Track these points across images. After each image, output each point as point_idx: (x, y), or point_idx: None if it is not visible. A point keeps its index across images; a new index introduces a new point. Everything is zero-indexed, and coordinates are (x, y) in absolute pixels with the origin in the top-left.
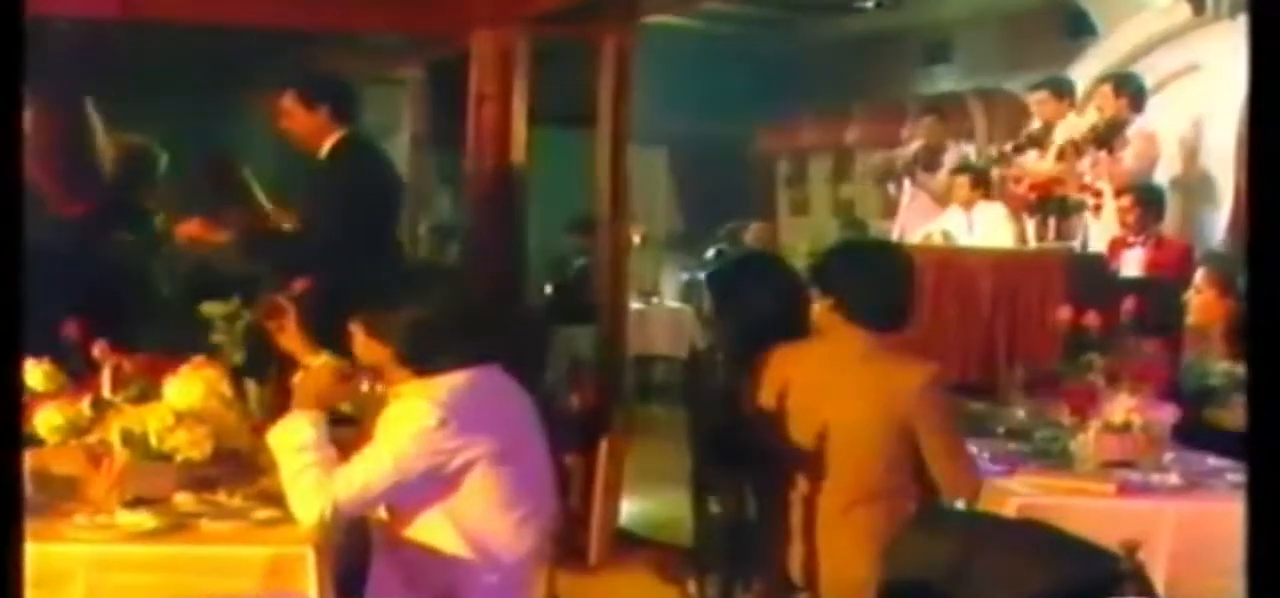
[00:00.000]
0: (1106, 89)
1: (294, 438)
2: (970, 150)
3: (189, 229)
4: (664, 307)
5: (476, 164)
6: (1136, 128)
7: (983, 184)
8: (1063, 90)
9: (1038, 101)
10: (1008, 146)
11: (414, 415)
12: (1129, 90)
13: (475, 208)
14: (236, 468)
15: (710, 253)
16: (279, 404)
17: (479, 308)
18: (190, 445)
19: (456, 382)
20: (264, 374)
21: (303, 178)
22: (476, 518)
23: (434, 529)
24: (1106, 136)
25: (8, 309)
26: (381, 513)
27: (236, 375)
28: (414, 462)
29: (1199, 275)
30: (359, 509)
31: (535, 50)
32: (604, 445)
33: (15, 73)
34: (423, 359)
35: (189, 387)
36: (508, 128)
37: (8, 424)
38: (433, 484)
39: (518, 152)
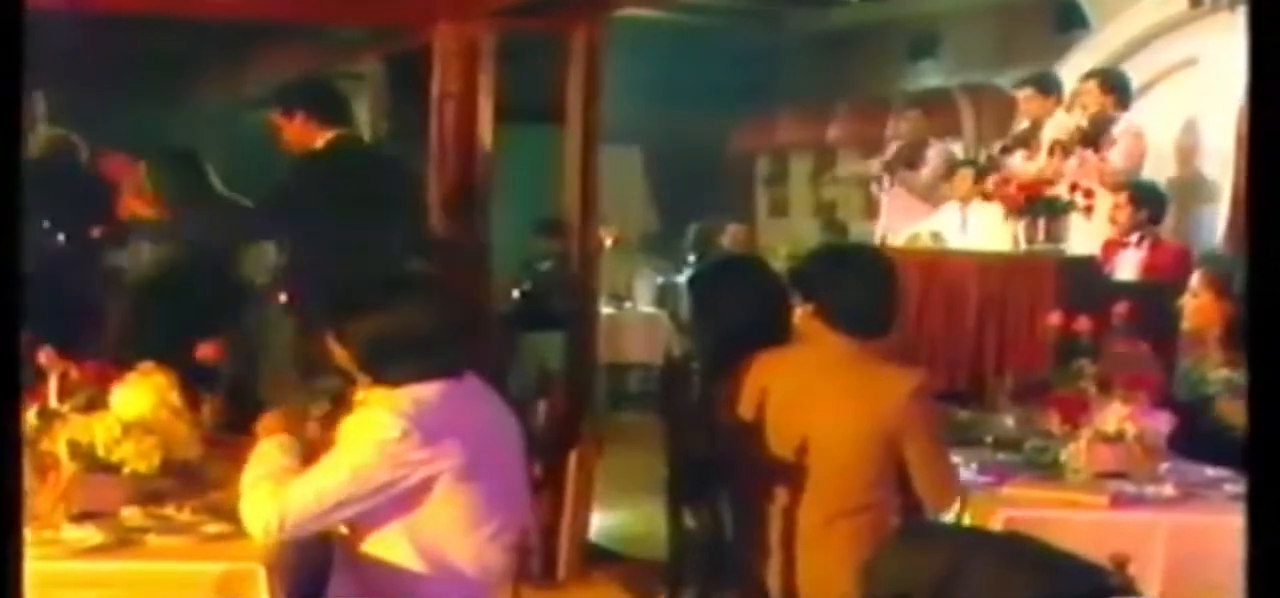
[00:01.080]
0: (1092, 85)
1: (259, 454)
2: (957, 148)
3: (131, 203)
4: (637, 312)
5: (439, 164)
6: (1124, 125)
7: (981, 181)
8: (1049, 87)
9: (1024, 98)
10: (996, 147)
11: (375, 426)
12: (1115, 86)
13: (438, 209)
14: (186, 481)
15: (691, 257)
16: (231, 413)
17: (451, 318)
18: (138, 457)
19: (423, 393)
20: (215, 383)
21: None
22: (439, 534)
23: (394, 545)
24: (1093, 135)
25: (8, 309)
26: (340, 528)
27: (186, 384)
28: (373, 474)
29: (1195, 278)
30: (313, 522)
31: (501, 44)
32: (573, 457)
33: (15, 73)
34: (381, 368)
35: (137, 396)
36: (472, 126)
37: (7, 427)
38: (394, 498)
39: (483, 151)
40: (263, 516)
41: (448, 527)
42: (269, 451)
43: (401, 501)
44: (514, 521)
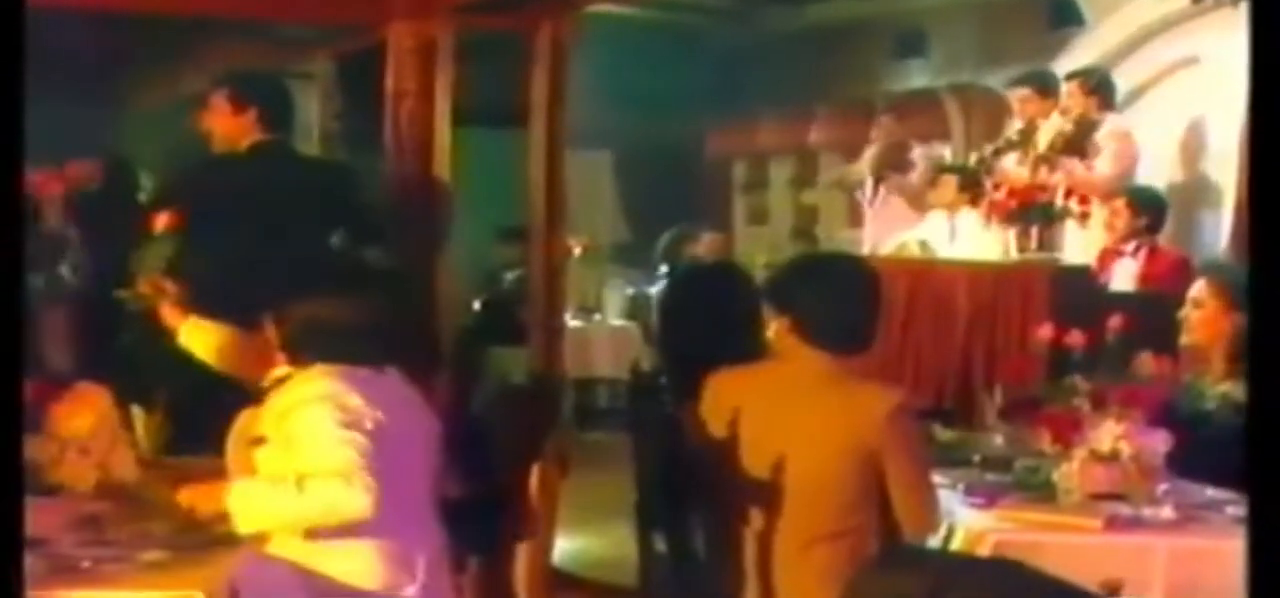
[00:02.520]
0: (1073, 87)
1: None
2: (946, 151)
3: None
4: (606, 325)
5: (395, 168)
6: (1109, 127)
7: (970, 187)
8: (1048, 87)
9: (1020, 99)
10: (988, 150)
11: (329, 395)
12: (1098, 87)
13: (393, 217)
14: (123, 504)
15: (663, 268)
16: (169, 433)
17: (383, 312)
18: (75, 479)
19: (349, 370)
20: (151, 401)
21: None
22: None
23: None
24: (1077, 140)
25: (8, 309)
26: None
27: (122, 403)
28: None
29: (1199, 287)
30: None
31: (461, 42)
32: (536, 476)
33: (15, 73)
34: (303, 350)
35: (75, 415)
36: (429, 129)
37: (7, 427)
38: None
39: (441, 155)
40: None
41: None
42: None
43: None
44: (412, 533)
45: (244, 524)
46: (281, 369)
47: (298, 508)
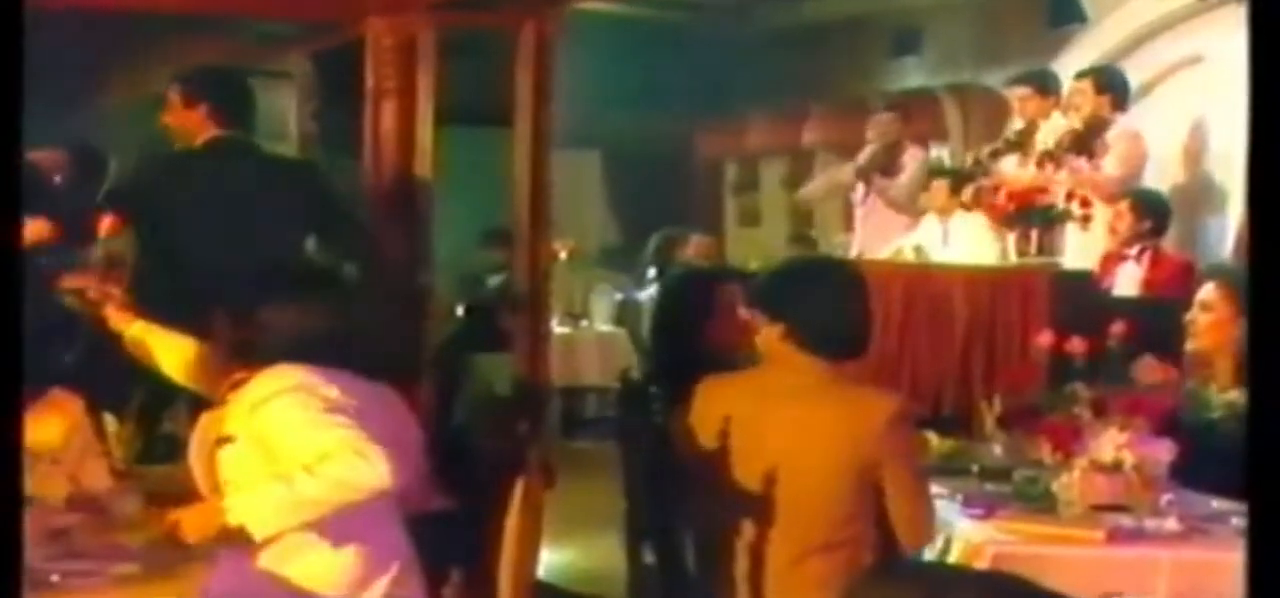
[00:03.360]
0: (1085, 85)
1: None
2: (944, 153)
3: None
4: (594, 330)
5: (374, 169)
6: (1120, 129)
7: (962, 191)
8: (1048, 86)
9: (1020, 98)
10: (985, 151)
11: (304, 385)
12: (1111, 86)
13: (373, 219)
14: (94, 516)
15: (652, 271)
16: (143, 442)
17: (351, 319)
18: (45, 491)
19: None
20: (123, 409)
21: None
22: None
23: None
24: (1086, 140)
25: (8, 307)
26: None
27: (94, 410)
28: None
29: (1209, 291)
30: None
31: (443, 39)
32: (519, 488)
33: (16, 73)
34: (261, 355)
35: (46, 424)
36: (410, 128)
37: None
38: None
39: (422, 155)
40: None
41: None
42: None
43: None
44: (380, 543)
45: (261, 530)
46: (239, 373)
47: (313, 492)
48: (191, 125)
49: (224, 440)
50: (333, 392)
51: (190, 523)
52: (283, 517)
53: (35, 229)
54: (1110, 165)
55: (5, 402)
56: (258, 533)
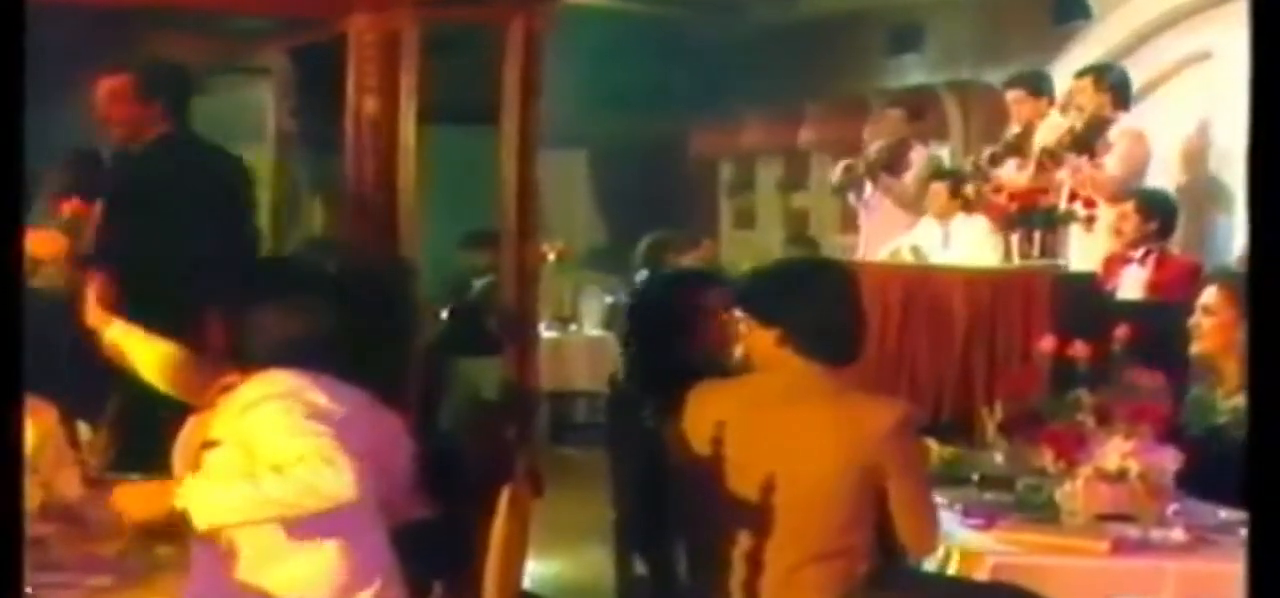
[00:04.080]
0: (1086, 83)
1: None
2: (943, 152)
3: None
4: (583, 335)
5: (355, 169)
6: (1121, 127)
7: (962, 193)
8: (1040, 87)
9: (1014, 101)
10: (984, 155)
11: (291, 390)
12: (1112, 84)
13: (355, 221)
14: (68, 525)
15: (643, 274)
16: (115, 448)
17: (345, 323)
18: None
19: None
20: (98, 415)
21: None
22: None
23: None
24: (1087, 139)
25: (8, 309)
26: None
27: (68, 418)
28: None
29: (1212, 294)
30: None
31: (427, 35)
32: (505, 496)
33: (16, 73)
34: (257, 358)
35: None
36: (393, 127)
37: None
38: None
39: (405, 155)
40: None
41: None
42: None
43: None
44: (364, 551)
45: (204, 519)
46: (231, 377)
47: (276, 493)
48: (141, 120)
49: (210, 444)
50: (320, 398)
51: (129, 500)
52: (235, 512)
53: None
54: (1112, 165)
55: (5, 401)
56: (200, 521)
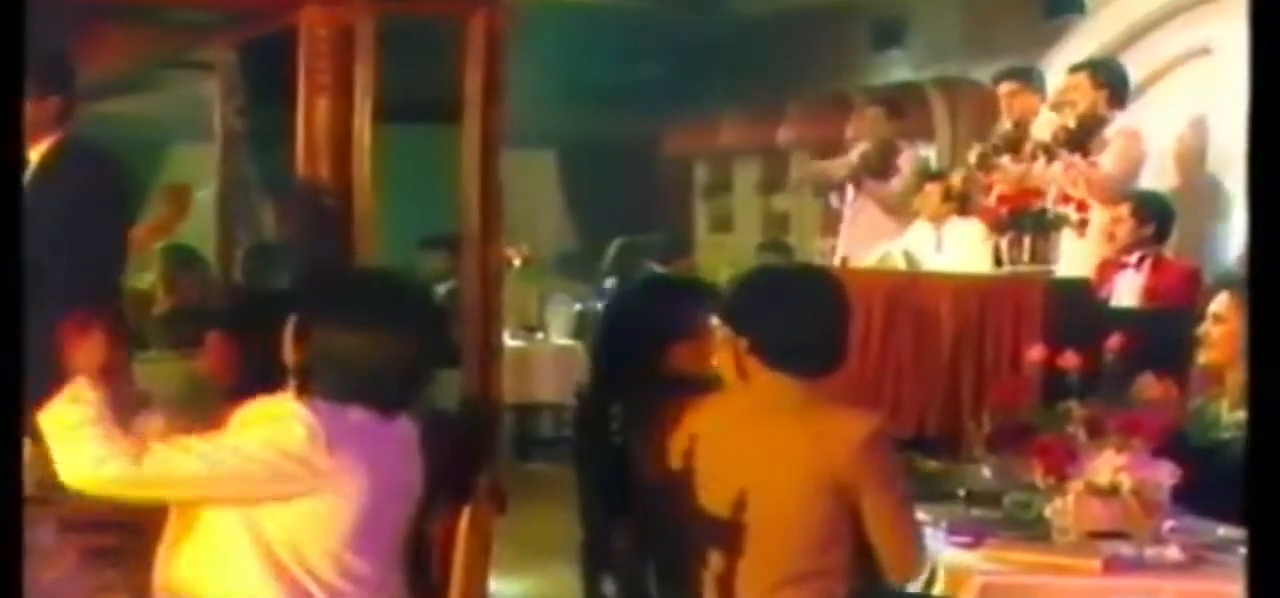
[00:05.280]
0: (1081, 79)
1: (73, 396)
2: (930, 153)
3: None
4: (549, 344)
5: (308, 171)
6: (1117, 126)
7: (956, 195)
8: (1033, 81)
9: (1006, 94)
10: (973, 154)
11: (276, 416)
12: (1108, 80)
13: (307, 225)
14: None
15: (614, 281)
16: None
17: (406, 351)
18: None
19: (339, 409)
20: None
21: None
22: (293, 536)
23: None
24: (1081, 137)
25: (8, 309)
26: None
27: None
28: (262, 466)
29: (1223, 301)
30: (163, 489)
31: (384, 29)
32: (466, 514)
33: (16, 73)
34: (318, 379)
35: None
36: (348, 126)
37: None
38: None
39: (361, 155)
40: (87, 457)
41: (308, 535)
42: (78, 389)
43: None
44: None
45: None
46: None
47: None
48: (35, 119)
49: None
50: (300, 431)
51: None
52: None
53: None
54: (1107, 165)
55: (5, 400)
56: (66, 474)
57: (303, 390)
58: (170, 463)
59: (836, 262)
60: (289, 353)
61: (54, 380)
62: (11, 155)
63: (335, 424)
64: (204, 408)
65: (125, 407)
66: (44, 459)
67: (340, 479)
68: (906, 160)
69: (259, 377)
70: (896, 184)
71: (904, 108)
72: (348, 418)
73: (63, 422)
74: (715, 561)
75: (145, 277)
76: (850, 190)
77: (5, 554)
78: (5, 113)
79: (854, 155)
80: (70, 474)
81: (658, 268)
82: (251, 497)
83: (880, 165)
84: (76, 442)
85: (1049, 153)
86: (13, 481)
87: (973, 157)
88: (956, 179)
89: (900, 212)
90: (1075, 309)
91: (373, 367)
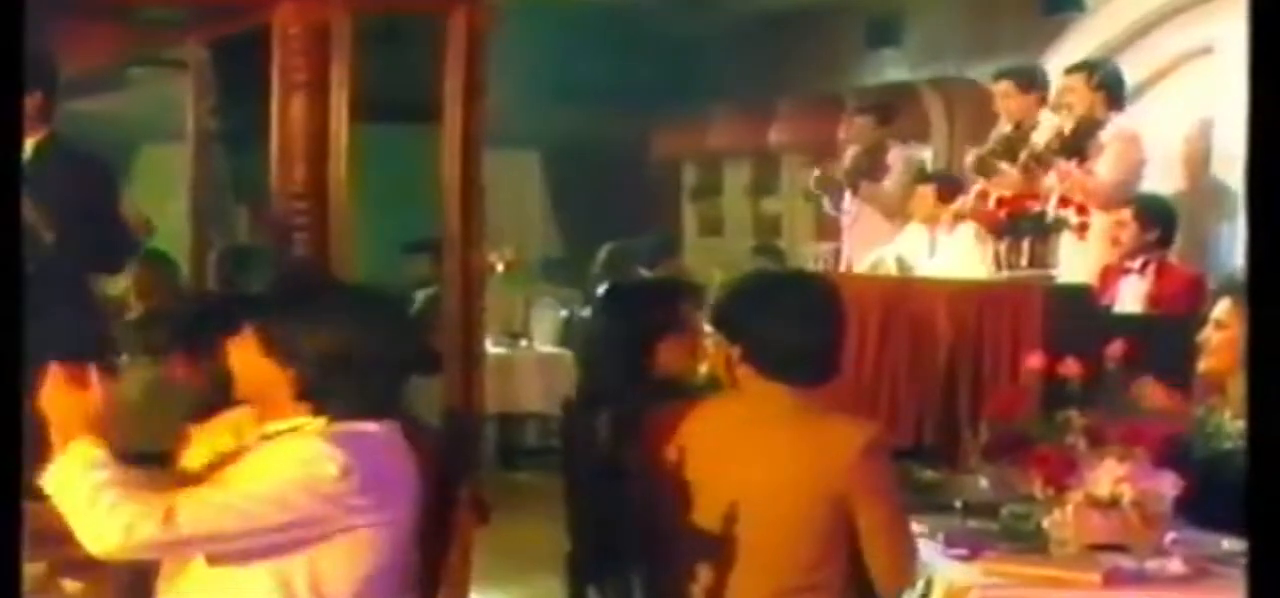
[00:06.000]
0: (1077, 81)
1: (81, 459)
2: (926, 155)
3: None
4: (534, 351)
5: (282, 172)
6: (1114, 129)
7: (953, 197)
8: (1032, 81)
9: (1001, 93)
10: (972, 155)
11: (307, 458)
12: (1105, 82)
13: (283, 228)
14: None
15: (601, 286)
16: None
17: (400, 343)
18: None
19: (363, 430)
20: None
21: None
22: (329, 582)
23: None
24: (1077, 142)
25: (8, 309)
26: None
27: None
28: (296, 507)
29: (1225, 308)
30: (196, 546)
31: (362, 26)
32: (448, 527)
33: (15, 72)
34: (326, 396)
35: None
36: (324, 126)
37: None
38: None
39: (337, 156)
40: (116, 523)
41: (333, 571)
42: (84, 449)
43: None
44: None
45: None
46: (288, 421)
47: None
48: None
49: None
50: (332, 470)
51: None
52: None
53: None
54: (1103, 170)
55: (5, 400)
56: (94, 544)
57: (318, 410)
58: (205, 519)
59: (842, 267)
60: (247, 373)
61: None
62: (12, 156)
63: (360, 453)
64: (171, 417)
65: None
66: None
67: (371, 514)
68: (897, 157)
69: (227, 386)
70: (888, 184)
71: (894, 112)
72: (364, 439)
73: (77, 491)
74: (705, 575)
75: (118, 282)
76: (847, 195)
77: (5, 554)
78: (5, 113)
79: (846, 160)
80: (99, 544)
81: (645, 272)
82: (288, 545)
83: (871, 167)
84: (98, 509)
85: (1044, 162)
86: (13, 480)
87: (969, 161)
88: (966, 205)
89: (898, 212)
90: (1075, 316)
91: (363, 370)
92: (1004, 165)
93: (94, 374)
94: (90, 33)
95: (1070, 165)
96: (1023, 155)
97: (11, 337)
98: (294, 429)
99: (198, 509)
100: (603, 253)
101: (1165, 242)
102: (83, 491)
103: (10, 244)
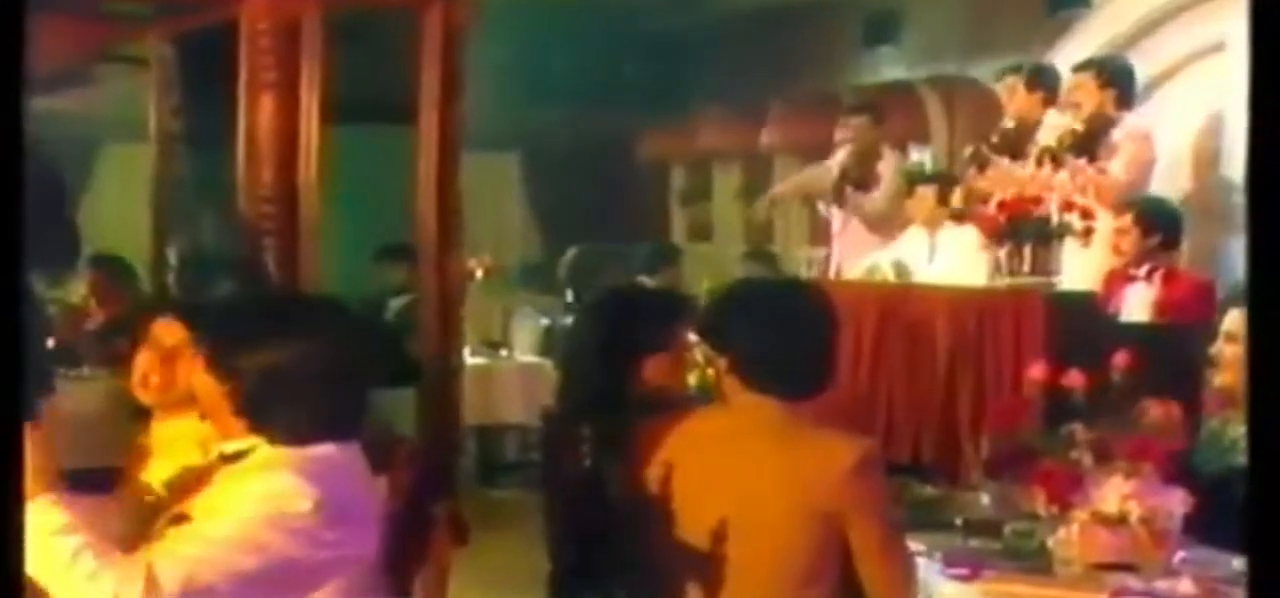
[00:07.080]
0: (1087, 79)
1: (46, 527)
2: (925, 156)
3: None
4: (514, 361)
5: (250, 174)
6: (1126, 128)
7: (951, 199)
8: (1040, 79)
9: (1008, 90)
10: (968, 151)
11: (277, 493)
12: (1115, 80)
13: (250, 233)
14: None
15: (570, 293)
16: None
17: (355, 359)
18: None
19: (328, 456)
20: None
21: None
22: None
23: None
24: (1088, 142)
25: (8, 310)
26: None
27: None
28: (268, 548)
29: (1233, 319)
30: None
31: (333, 23)
32: (424, 546)
33: (15, 72)
34: (269, 416)
35: None
36: (293, 126)
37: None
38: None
39: (307, 158)
40: (103, 591)
41: None
42: (45, 509)
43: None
44: None
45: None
46: (242, 441)
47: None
48: None
49: (179, 518)
50: (308, 516)
51: None
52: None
53: None
54: (1116, 170)
55: (5, 401)
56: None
57: (258, 429)
58: (183, 576)
59: (831, 273)
60: (199, 388)
61: None
62: (12, 156)
63: (330, 485)
64: (123, 428)
65: None
66: None
67: (338, 549)
68: (887, 167)
69: (184, 396)
70: (877, 196)
71: (890, 111)
72: (331, 470)
73: (52, 563)
74: (693, 594)
75: (76, 290)
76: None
77: (5, 555)
78: (5, 112)
79: (833, 165)
80: None
81: (646, 280)
82: (264, 566)
83: (860, 175)
84: (75, 576)
85: (1056, 159)
86: (13, 480)
87: (967, 152)
88: (957, 196)
89: (884, 225)
90: (1080, 325)
91: (311, 386)
92: (1003, 160)
93: (33, 427)
94: (48, 26)
95: (1082, 163)
96: (1035, 151)
97: (11, 337)
98: (251, 450)
99: (175, 567)
100: (570, 254)
101: (1169, 246)
102: (59, 559)
103: (10, 244)
